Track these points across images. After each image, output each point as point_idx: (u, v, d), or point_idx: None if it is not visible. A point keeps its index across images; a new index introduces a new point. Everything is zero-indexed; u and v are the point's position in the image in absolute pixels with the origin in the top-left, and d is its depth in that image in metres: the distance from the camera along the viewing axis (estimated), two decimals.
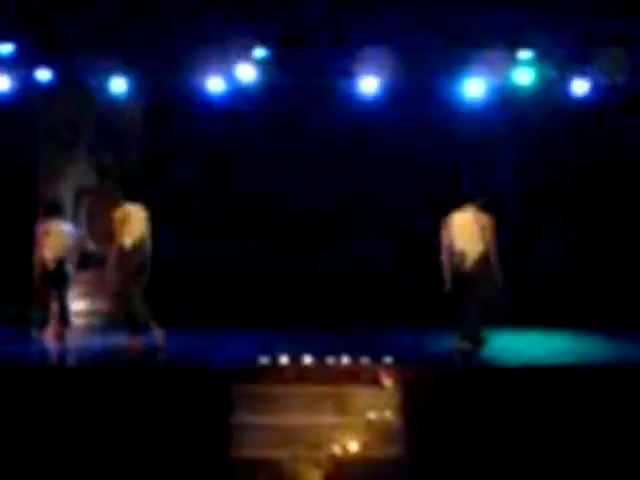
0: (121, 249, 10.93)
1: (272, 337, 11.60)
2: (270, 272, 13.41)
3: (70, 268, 11.77)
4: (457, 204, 10.88)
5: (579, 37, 11.62)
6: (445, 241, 10.78)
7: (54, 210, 11.96)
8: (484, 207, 10.83)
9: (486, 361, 10.30)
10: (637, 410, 9.12)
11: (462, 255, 10.62)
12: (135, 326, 10.96)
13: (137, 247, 10.97)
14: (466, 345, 10.62)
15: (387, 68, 11.85)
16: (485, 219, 10.74)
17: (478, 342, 10.60)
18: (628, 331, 11.99)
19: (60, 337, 11.60)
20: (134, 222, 11.02)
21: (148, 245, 11.12)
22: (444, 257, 10.78)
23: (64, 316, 11.75)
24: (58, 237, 11.63)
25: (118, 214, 11.05)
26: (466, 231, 10.67)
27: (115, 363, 10.26)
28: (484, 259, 10.59)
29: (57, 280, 11.64)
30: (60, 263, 11.57)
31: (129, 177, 12.97)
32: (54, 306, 11.70)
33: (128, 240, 10.93)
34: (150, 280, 11.15)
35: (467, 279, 10.61)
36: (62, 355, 11.13)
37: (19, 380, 9.32)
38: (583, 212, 13.46)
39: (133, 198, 11.22)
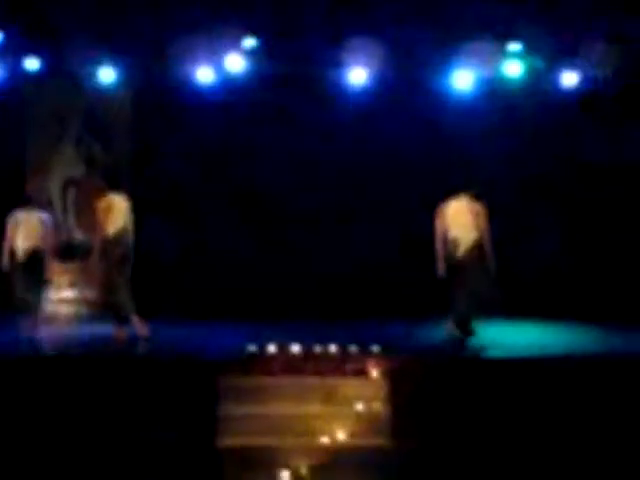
0: (104, 239, 10.93)
1: (260, 328, 11.57)
2: (259, 263, 13.40)
3: (45, 257, 11.71)
4: (451, 193, 10.92)
5: (568, 29, 11.63)
6: (439, 229, 10.85)
7: (26, 201, 11.90)
8: (477, 196, 10.89)
9: (474, 352, 10.30)
10: (627, 401, 9.13)
11: (456, 243, 10.71)
12: (120, 316, 10.95)
13: (119, 237, 10.97)
14: (457, 332, 10.66)
15: (376, 59, 11.87)
16: (478, 208, 10.84)
17: (468, 332, 10.63)
18: (620, 323, 11.98)
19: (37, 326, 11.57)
20: (117, 212, 11.02)
21: (131, 235, 11.12)
22: (438, 245, 10.85)
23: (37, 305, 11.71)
24: (29, 227, 11.56)
25: (101, 204, 11.06)
26: (460, 219, 10.76)
27: (101, 353, 10.23)
28: (477, 247, 10.68)
29: (30, 270, 11.58)
30: (32, 253, 11.50)
31: (113, 167, 13.00)
32: (28, 295, 11.63)
33: (111, 230, 10.93)
34: (138, 271, 11.13)
35: (460, 267, 10.68)
36: (50, 344, 11.08)
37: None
38: (573, 203, 13.45)
39: (116, 188, 11.21)
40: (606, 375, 9.24)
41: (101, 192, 11.34)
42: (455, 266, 10.69)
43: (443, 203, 10.91)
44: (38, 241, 11.49)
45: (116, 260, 10.93)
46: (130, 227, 11.11)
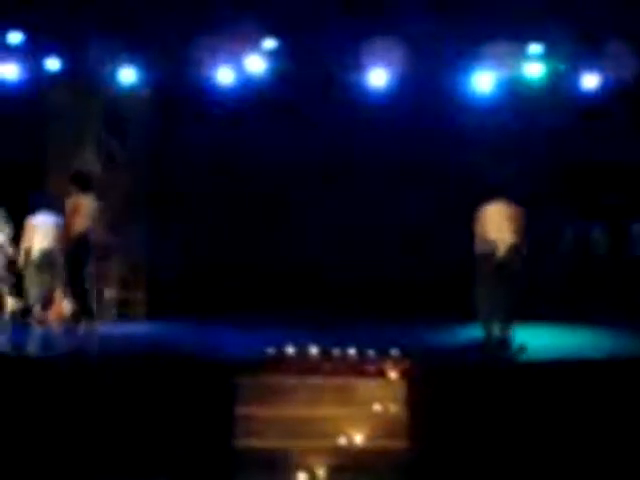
0: (71, 239, 11.17)
1: (279, 329, 11.58)
2: (276, 265, 13.41)
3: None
4: (488, 196, 10.94)
5: (589, 31, 11.59)
6: (478, 232, 10.89)
7: (43, 204, 12.15)
8: (514, 200, 10.92)
9: (492, 356, 10.27)
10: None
11: (495, 245, 10.73)
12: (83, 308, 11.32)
13: (85, 237, 11.21)
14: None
15: (397, 61, 11.84)
16: (515, 210, 10.87)
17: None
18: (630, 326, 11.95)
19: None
20: (84, 213, 11.18)
21: (100, 236, 11.41)
22: (477, 248, 10.90)
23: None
24: (46, 230, 11.85)
25: (69, 205, 11.29)
26: (497, 222, 10.80)
27: (119, 352, 10.25)
28: (515, 250, 10.71)
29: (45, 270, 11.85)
30: (48, 254, 11.73)
31: (131, 166, 13.16)
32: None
33: (77, 231, 11.11)
34: (153, 271, 11.20)
35: (499, 269, 10.71)
36: (77, 340, 11.12)
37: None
38: (591, 206, 13.40)
39: (85, 189, 11.37)
40: (615, 379, 9.20)
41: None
42: (494, 268, 10.72)
43: (481, 206, 10.94)
44: (54, 243, 11.73)
45: (82, 259, 11.17)
46: (99, 227, 11.40)
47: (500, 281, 10.67)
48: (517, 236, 10.74)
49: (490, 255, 10.74)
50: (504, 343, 10.52)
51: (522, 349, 10.18)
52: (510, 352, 10.28)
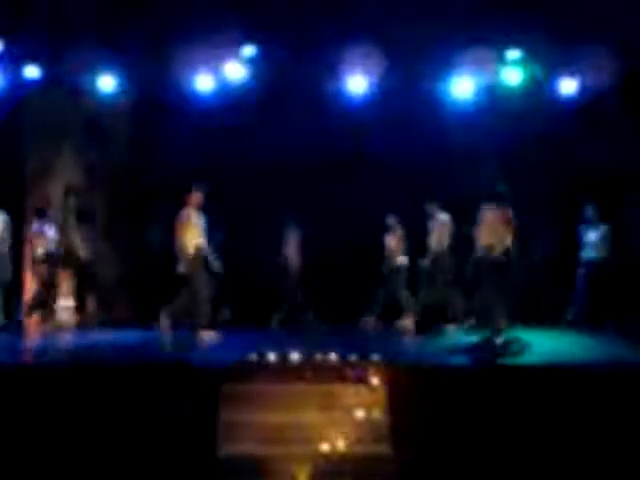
0: None
1: (260, 335, 11.58)
2: (256, 271, 13.43)
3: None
4: (482, 200, 11.01)
5: (567, 37, 11.66)
6: (473, 237, 11.07)
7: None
8: (506, 203, 11.04)
9: (475, 360, 10.30)
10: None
11: (489, 248, 10.86)
12: None
13: None
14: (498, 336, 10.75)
15: (376, 67, 11.88)
16: (508, 213, 10.99)
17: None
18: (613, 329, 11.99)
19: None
20: None
21: (6, 248, 11.77)
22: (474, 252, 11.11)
23: None
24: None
25: None
26: (491, 225, 10.90)
27: (101, 361, 10.23)
28: (508, 253, 10.82)
29: None
30: None
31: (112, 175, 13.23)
32: None
33: None
34: (137, 277, 11.16)
35: (492, 271, 10.77)
36: (52, 352, 11.10)
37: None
38: (572, 211, 13.45)
39: None
40: (604, 386, 9.22)
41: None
42: (488, 270, 10.77)
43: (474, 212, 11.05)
44: None
45: None
46: (6, 241, 11.75)
47: (498, 282, 10.76)
48: (509, 238, 10.85)
49: (484, 259, 10.83)
50: (506, 345, 10.58)
51: (523, 347, 10.23)
52: (511, 353, 10.33)
